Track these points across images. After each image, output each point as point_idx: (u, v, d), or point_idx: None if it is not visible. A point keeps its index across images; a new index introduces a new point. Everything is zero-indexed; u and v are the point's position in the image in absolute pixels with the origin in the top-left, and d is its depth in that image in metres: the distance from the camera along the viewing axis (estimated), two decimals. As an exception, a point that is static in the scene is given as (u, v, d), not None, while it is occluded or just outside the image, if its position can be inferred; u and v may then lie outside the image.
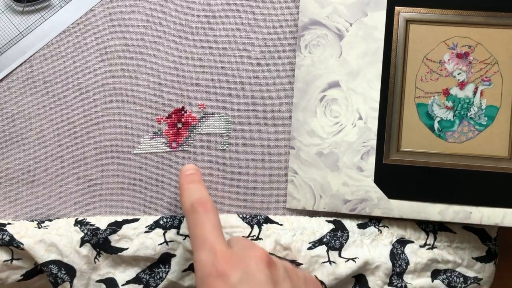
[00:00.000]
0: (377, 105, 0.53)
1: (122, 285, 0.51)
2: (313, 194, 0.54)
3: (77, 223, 0.51)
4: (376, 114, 0.53)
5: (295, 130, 0.54)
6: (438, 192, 0.53)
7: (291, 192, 0.54)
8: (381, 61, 0.53)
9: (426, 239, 0.52)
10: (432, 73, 0.53)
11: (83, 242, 0.50)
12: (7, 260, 0.49)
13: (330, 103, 0.53)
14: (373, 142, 0.53)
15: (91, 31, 0.51)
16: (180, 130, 0.52)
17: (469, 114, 0.53)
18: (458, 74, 0.53)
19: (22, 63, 0.48)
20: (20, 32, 0.45)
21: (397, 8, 0.52)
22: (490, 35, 0.52)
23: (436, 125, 0.53)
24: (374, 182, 0.53)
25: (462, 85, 0.53)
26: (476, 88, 0.52)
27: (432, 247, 0.53)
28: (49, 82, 0.51)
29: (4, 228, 0.49)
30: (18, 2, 0.46)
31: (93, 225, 0.51)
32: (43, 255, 0.49)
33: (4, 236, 0.49)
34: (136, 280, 0.51)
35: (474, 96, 0.53)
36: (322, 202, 0.54)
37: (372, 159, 0.53)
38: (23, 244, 0.48)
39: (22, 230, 0.49)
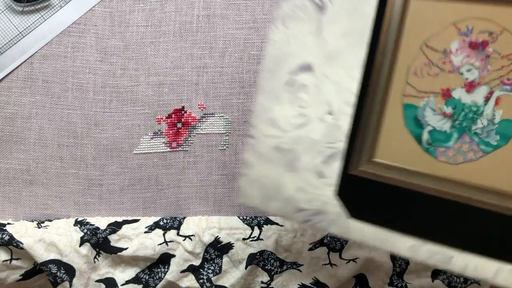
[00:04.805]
0: (353, 99, 0.42)
1: (122, 285, 0.52)
2: (264, 194, 0.46)
3: (77, 223, 0.52)
4: (350, 110, 0.42)
5: (257, 117, 0.46)
6: (414, 223, 0.41)
7: (244, 186, 0.47)
8: (367, 43, 0.41)
9: None
10: (432, 66, 0.39)
11: (82, 241, 0.51)
12: (6, 260, 0.49)
13: (298, 89, 0.44)
14: (341, 145, 0.43)
15: (91, 31, 0.51)
16: (180, 130, 0.52)
17: (474, 128, 0.38)
18: (468, 71, 0.38)
19: (22, 63, 0.49)
20: (20, 32, 0.46)
21: (388, -25, 0.40)
22: (532, 19, 0.36)
23: (425, 136, 0.40)
24: (336, 194, 0.43)
25: (470, 86, 0.38)
26: (491, 93, 0.38)
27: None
28: (49, 82, 0.51)
29: (4, 228, 0.49)
30: (18, 2, 0.46)
31: (93, 225, 0.51)
32: (42, 255, 0.49)
33: (4, 236, 0.48)
34: (135, 279, 0.52)
35: (485, 104, 0.38)
36: (273, 205, 0.46)
37: (336, 165, 0.43)
38: (22, 244, 0.48)
39: (22, 230, 0.50)
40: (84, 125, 0.52)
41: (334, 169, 0.43)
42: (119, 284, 0.52)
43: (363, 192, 0.42)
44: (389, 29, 0.40)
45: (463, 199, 0.39)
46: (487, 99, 0.38)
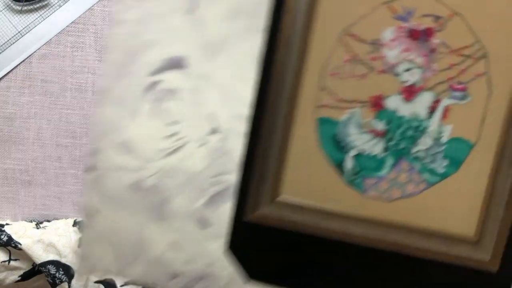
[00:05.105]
0: (246, 111, 0.29)
1: (121, 286, 0.50)
2: (119, 254, 0.31)
3: (76, 223, 0.51)
4: (244, 127, 0.29)
5: (100, 138, 0.30)
6: (336, 283, 0.29)
7: (86, 244, 0.31)
8: (263, 30, 0.28)
9: None
10: (356, 63, 0.28)
11: None
12: (5, 261, 0.50)
13: (164, 96, 0.29)
14: (232, 178, 0.29)
15: (90, 30, 0.50)
16: (179, 131, 0.54)
17: (414, 150, 0.28)
18: (406, 70, 0.27)
19: (21, 62, 0.50)
20: (19, 31, 0.48)
21: None
22: (485, 0, 0.26)
23: (349, 163, 0.28)
24: (226, 249, 0.30)
25: (410, 92, 0.27)
26: (437, 101, 0.27)
27: None
28: (47, 81, 0.51)
29: (2, 229, 0.50)
30: (17, 1, 0.48)
31: (93, 225, 0.51)
32: (41, 255, 0.48)
33: (2, 236, 0.49)
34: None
35: (429, 117, 0.28)
36: (134, 270, 0.31)
37: (226, 209, 0.29)
38: (21, 244, 0.48)
39: (21, 230, 0.50)
40: (83, 125, 0.52)
41: (223, 214, 0.30)
42: (118, 285, 0.50)
43: (265, 245, 0.29)
44: (295, 9, 0.27)
45: (402, 248, 0.28)
46: (432, 110, 0.27)
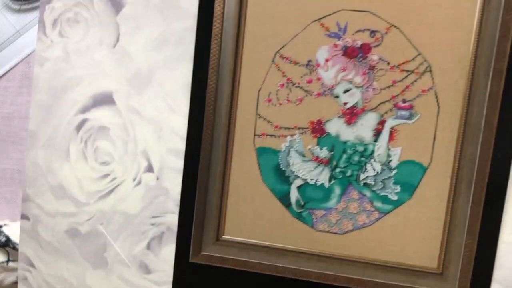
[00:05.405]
0: (182, 146, 0.27)
1: None
2: (60, 307, 0.29)
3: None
4: (181, 163, 0.27)
5: (31, 183, 0.28)
6: (292, 328, 0.27)
7: (28, 296, 0.29)
8: (193, 58, 0.26)
9: None
10: (292, 87, 0.25)
11: None
12: (3, 262, 0.48)
13: (95, 135, 0.27)
14: (172, 219, 0.27)
15: None
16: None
17: (363, 177, 0.25)
18: (346, 91, 0.25)
19: (19, 62, 0.47)
20: (17, 31, 0.46)
21: None
22: (422, 10, 0.24)
23: (294, 195, 0.26)
24: (172, 295, 0.28)
25: (352, 115, 0.25)
26: (382, 122, 0.25)
27: None
28: None
29: (1, 230, 0.48)
30: (15, 1, 0.47)
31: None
32: None
33: (1, 237, 0.48)
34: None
35: (375, 140, 0.25)
36: (77, 322, 0.29)
37: (168, 251, 0.27)
38: (19, 245, 0.46)
39: (19, 231, 0.47)
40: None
41: (165, 257, 0.27)
42: None
43: (213, 286, 0.27)
44: (222, 32, 0.26)
45: (359, 284, 0.26)
46: (377, 133, 0.25)
